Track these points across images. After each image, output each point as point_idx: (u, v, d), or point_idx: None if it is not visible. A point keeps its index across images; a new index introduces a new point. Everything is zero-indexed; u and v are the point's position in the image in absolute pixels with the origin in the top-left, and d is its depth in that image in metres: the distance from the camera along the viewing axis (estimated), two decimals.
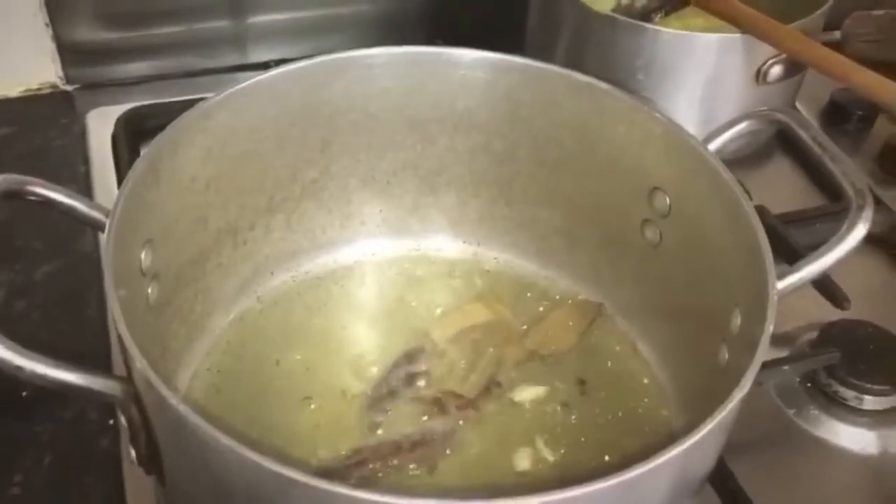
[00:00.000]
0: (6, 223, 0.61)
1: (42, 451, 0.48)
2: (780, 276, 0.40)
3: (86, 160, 0.66)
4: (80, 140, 0.68)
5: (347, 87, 0.50)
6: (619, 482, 0.31)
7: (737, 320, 0.42)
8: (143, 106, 0.68)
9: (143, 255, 0.42)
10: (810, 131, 0.43)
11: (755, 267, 0.40)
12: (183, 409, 0.31)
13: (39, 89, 0.73)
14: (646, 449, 0.32)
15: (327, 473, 0.44)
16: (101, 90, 0.73)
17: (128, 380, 0.35)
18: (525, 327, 0.52)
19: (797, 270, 0.41)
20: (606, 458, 0.46)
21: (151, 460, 0.37)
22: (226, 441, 0.30)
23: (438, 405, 0.48)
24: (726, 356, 0.43)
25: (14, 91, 0.72)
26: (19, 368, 0.34)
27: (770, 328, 0.36)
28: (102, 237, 0.38)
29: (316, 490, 0.30)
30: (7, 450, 0.48)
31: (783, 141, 0.71)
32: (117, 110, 0.68)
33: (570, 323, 0.52)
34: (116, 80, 0.73)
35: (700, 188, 0.45)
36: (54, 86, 0.73)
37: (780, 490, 0.49)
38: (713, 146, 0.46)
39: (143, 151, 0.42)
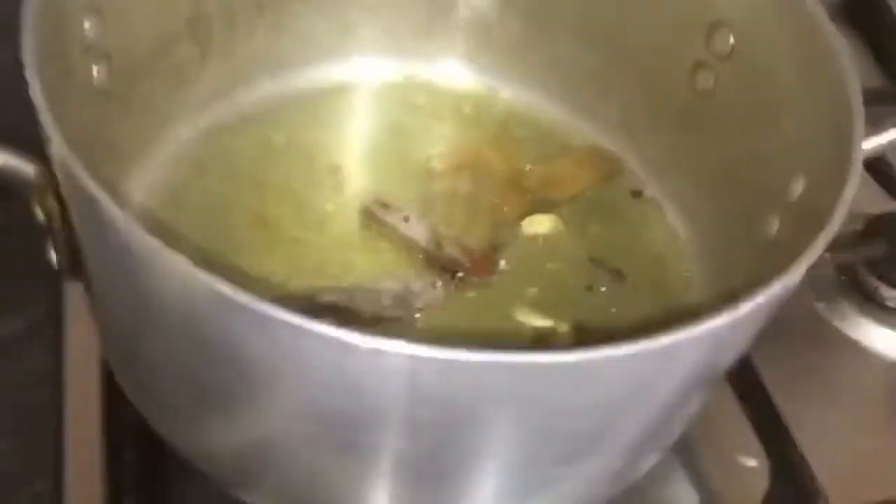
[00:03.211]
0: None
1: None
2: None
3: None
4: None
5: None
6: (640, 351, 0.25)
7: (798, 187, 0.35)
8: None
9: (86, 25, 0.34)
10: None
11: (837, 122, 0.33)
12: (106, 201, 0.25)
13: None
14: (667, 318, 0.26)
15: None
16: None
17: (46, 162, 0.29)
18: (529, 168, 0.46)
19: (885, 130, 0.34)
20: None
21: (74, 262, 0.31)
22: (156, 247, 0.24)
23: (438, 261, 0.42)
24: (776, 228, 0.36)
25: None
26: None
27: (850, 194, 0.30)
28: None
29: (246, 309, 0.23)
30: None
31: (850, 15, 0.62)
32: None
33: (578, 171, 0.46)
34: None
35: (776, 24, 0.38)
36: None
37: (801, 388, 0.44)
38: None
39: None
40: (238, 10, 0.43)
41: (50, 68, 0.30)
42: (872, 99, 0.54)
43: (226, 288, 0.24)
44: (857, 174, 0.31)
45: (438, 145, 0.47)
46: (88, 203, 0.26)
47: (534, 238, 0.44)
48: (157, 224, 0.41)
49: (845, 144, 0.31)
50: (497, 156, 0.47)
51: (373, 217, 0.43)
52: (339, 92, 0.48)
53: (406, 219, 0.42)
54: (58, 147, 0.26)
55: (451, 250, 0.42)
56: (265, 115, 0.46)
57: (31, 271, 0.42)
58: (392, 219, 0.42)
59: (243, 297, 0.24)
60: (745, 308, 0.26)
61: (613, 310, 0.42)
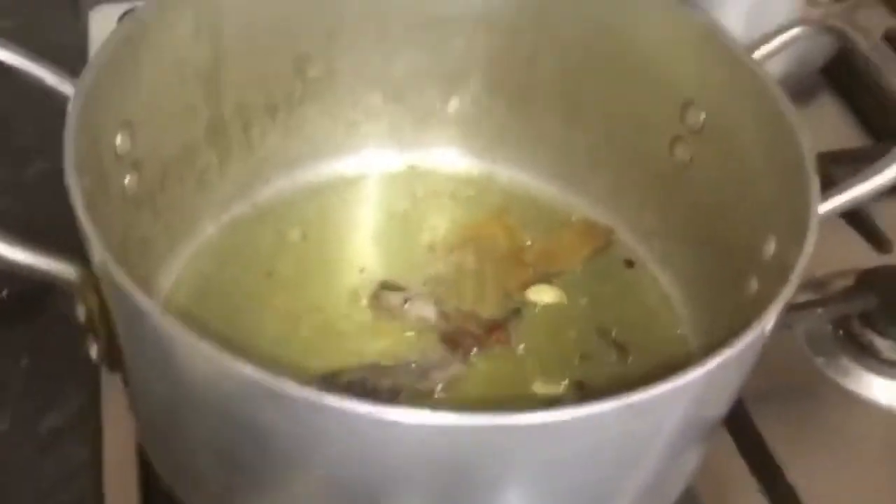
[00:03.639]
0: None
1: (19, 353, 0.46)
2: (824, 200, 0.36)
3: (86, 60, 0.62)
4: (81, 38, 0.65)
5: None
6: (625, 405, 0.27)
7: (770, 248, 0.38)
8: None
9: (118, 139, 0.38)
10: (869, 38, 0.38)
11: (796, 186, 0.36)
12: (141, 298, 0.28)
13: None
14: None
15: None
16: None
17: (86, 264, 0.32)
18: (529, 243, 0.49)
19: (842, 191, 0.37)
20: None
21: (112, 356, 0.34)
22: (187, 336, 0.27)
23: (451, 336, 0.44)
24: (756, 287, 0.39)
25: None
26: None
27: (809, 251, 0.32)
28: None
29: (277, 394, 0.26)
30: None
31: (829, 77, 0.66)
32: (122, 8, 0.64)
33: (575, 244, 0.49)
34: None
35: (739, 101, 0.41)
36: None
37: (802, 441, 0.46)
38: (758, 55, 0.41)
39: (121, 24, 0.38)
40: (252, 115, 0.47)
41: (87, 178, 0.33)
42: (854, 157, 0.58)
43: (253, 371, 0.26)
44: (814, 233, 0.33)
45: (442, 228, 0.50)
46: (126, 300, 0.29)
47: (539, 308, 0.46)
48: (186, 314, 0.44)
49: (804, 208, 0.34)
50: (498, 234, 0.50)
51: (380, 301, 0.45)
52: (347, 184, 0.51)
53: (412, 299, 0.45)
54: (97, 251, 0.30)
55: (463, 324, 0.45)
56: (281, 209, 0.49)
57: (68, 368, 0.45)
58: (399, 301, 0.45)
59: (270, 380, 0.26)
60: (716, 361, 0.29)
61: (616, 372, 0.44)
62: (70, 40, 0.65)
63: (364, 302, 0.45)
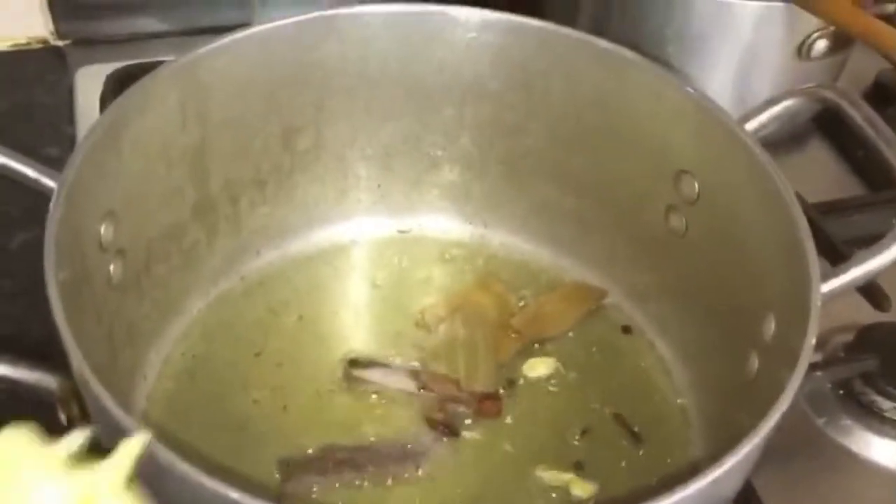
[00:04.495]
0: None
1: None
2: (824, 279, 0.35)
3: (72, 121, 0.62)
4: (67, 99, 0.64)
5: (342, 47, 0.45)
6: None
7: (770, 326, 0.37)
8: (136, 65, 0.62)
9: (102, 229, 0.38)
10: (862, 111, 0.37)
11: (795, 267, 0.35)
12: (119, 413, 0.27)
13: (28, 44, 0.69)
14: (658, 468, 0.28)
15: (291, 467, 0.40)
16: (94, 47, 0.68)
17: (67, 374, 0.31)
18: (522, 304, 0.48)
19: (843, 272, 0.36)
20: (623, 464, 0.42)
21: None
22: (164, 455, 0.26)
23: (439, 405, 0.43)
24: (756, 365, 0.38)
25: (1, 44, 0.68)
26: None
27: (812, 340, 0.32)
28: None
29: None
30: None
31: (820, 125, 0.65)
32: (109, 68, 0.63)
33: (567, 306, 0.48)
34: (111, 37, 0.69)
35: (733, 173, 0.40)
36: (44, 40, 0.69)
37: (803, 503, 0.45)
38: (750, 126, 0.41)
39: (104, 113, 0.37)
40: (240, 190, 0.47)
41: (68, 272, 0.32)
42: (849, 207, 0.57)
43: (233, 493, 0.26)
44: (816, 320, 0.33)
45: (432, 295, 0.49)
46: (107, 416, 0.28)
47: (534, 381, 0.46)
48: (173, 400, 0.43)
49: (804, 290, 0.33)
50: (487, 299, 0.49)
51: (352, 377, 0.44)
52: (338, 252, 0.51)
53: (387, 370, 0.44)
54: (77, 366, 0.29)
55: (449, 392, 0.43)
56: (270, 281, 0.49)
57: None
58: (372, 375, 0.44)
59: (249, 500, 0.26)
60: (725, 467, 0.28)
61: (617, 450, 0.43)
62: (56, 100, 0.64)
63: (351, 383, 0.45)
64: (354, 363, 0.45)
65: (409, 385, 0.44)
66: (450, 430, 0.43)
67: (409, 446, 0.42)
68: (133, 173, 0.39)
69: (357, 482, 0.40)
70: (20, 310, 0.50)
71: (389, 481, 0.40)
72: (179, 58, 0.40)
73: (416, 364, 0.45)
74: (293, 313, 0.48)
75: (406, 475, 0.40)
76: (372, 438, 0.42)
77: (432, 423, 0.43)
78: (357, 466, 0.41)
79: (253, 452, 0.41)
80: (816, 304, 0.33)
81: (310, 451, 0.41)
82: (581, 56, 0.44)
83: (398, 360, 0.45)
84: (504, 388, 0.45)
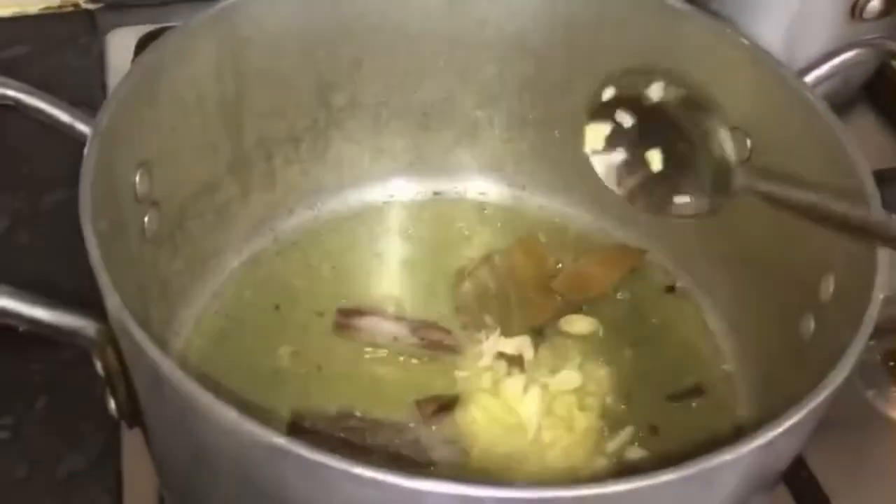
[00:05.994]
0: (12, 148, 0.56)
1: (36, 392, 0.45)
2: None
3: (103, 84, 0.61)
4: (98, 62, 0.63)
5: (383, 1, 0.44)
6: (690, 475, 0.25)
7: (829, 287, 0.36)
8: (167, 28, 0.62)
9: (137, 179, 0.37)
10: None
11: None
12: (157, 355, 0.26)
13: (60, 7, 0.68)
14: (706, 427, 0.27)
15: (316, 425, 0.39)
16: (125, 10, 0.68)
17: (104, 319, 0.30)
18: (560, 267, 0.47)
19: None
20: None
21: (132, 412, 0.32)
22: (203, 397, 0.25)
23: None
24: (811, 328, 0.37)
25: (33, 7, 0.67)
26: None
27: (880, 296, 0.30)
28: None
29: (299, 458, 0.24)
30: None
31: (870, 92, 0.63)
32: (140, 31, 0.63)
33: (606, 267, 0.47)
34: (142, 0, 0.68)
35: (790, 129, 0.39)
36: (75, 3, 0.68)
37: (852, 474, 0.44)
38: (808, 79, 0.39)
39: (138, 59, 0.36)
40: (275, 147, 0.46)
41: (104, 222, 0.31)
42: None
43: (273, 437, 0.25)
44: (883, 275, 0.31)
45: (468, 255, 0.48)
46: (143, 356, 0.27)
47: (569, 338, 0.45)
48: (207, 356, 0.42)
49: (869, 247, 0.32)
50: (526, 260, 0.48)
51: (341, 325, 0.43)
52: (372, 212, 0.50)
53: (377, 318, 0.43)
54: (114, 309, 0.28)
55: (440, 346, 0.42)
56: (304, 241, 0.48)
57: (87, 408, 0.43)
58: (366, 322, 0.43)
59: (289, 445, 0.25)
60: (784, 425, 0.27)
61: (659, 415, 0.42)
62: (87, 63, 0.64)
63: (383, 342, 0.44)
64: (349, 311, 0.44)
65: (401, 331, 0.43)
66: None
67: (420, 440, 0.40)
68: (168, 124, 0.38)
69: None
70: (53, 267, 0.49)
71: None
72: (216, 4, 0.39)
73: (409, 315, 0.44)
74: (327, 273, 0.47)
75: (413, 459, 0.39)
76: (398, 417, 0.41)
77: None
78: (363, 442, 0.39)
79: (285, 413, 0.40)
80: (884, 259, 0.31)
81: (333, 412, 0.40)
82: (629, 8, 0.43)
83: (391, 309, 0.44)
84: (538, 344, 0.44)
